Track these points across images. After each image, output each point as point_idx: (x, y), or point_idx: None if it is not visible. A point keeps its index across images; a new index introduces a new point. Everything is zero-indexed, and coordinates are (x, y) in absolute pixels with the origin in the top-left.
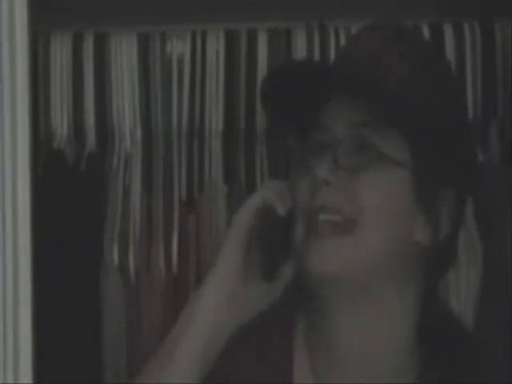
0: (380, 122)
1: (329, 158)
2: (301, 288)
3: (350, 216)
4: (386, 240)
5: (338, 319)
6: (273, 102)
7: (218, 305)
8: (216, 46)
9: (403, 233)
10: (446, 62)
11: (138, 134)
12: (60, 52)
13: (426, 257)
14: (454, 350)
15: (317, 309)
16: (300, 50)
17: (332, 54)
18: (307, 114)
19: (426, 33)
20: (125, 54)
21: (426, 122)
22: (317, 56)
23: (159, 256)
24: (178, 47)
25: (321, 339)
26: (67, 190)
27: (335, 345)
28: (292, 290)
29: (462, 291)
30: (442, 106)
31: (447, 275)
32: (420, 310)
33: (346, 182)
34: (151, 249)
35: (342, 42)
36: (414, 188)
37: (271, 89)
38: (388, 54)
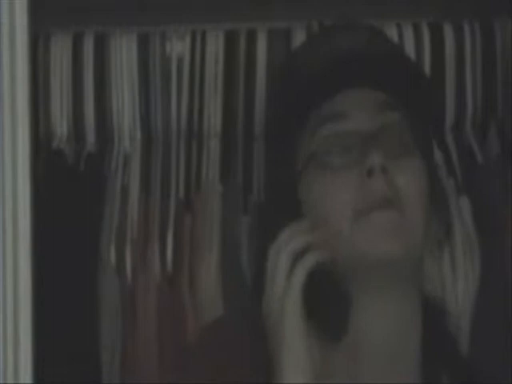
0: (403, 106)
1: (373, 147)
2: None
3: (400, 201)
4: (426, 223)
5: (368, 308)
6: (290, 88)
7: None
8: (216, 46)
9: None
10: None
11: (138, 133)
12: (60, 52)
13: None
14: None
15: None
16: None
17: None
18: (322, 102)
19: (426, 33)
20: (125, 54)
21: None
22: None
23: (155, 255)
24: (178, 47)
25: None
26: (66, 190)
27: (360, 337)
28: None
29: (460, 292)
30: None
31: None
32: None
33: (391, 170)
34: (148, 248)
35: None
36: (428, 179)
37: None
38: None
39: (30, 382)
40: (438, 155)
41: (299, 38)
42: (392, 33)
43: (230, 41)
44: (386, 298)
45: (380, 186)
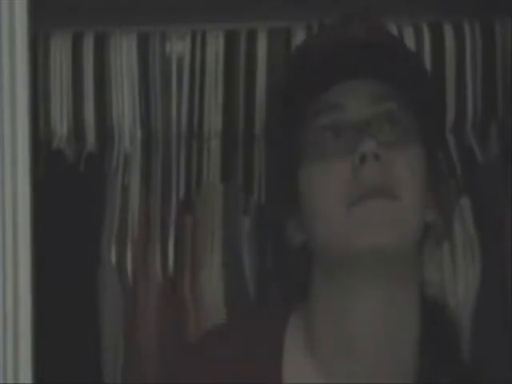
0: (402, 96)
1: (366, 135)
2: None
3: (394, 189)
4: (422, 213)
5: (360, 297)
6: (293, 81)
7: None
8: (216, 46)
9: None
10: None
11: (138, 133)
12: (60, 52)
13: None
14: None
15: (335, 288)
16: None
17: None
18: (320, 93)
19: (426, 33)
20: (125, 53)
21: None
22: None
23: (155, 255)
24: (178, 47)
25: (332, 323)
26: (66, 190)
27: (350, 327)
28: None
29: (460, 291)
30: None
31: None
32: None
33: (385, 157)
34: (148, 248)
35: None
36: (425, 166)
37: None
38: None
39: (29, 382)
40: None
41: (299, 38)
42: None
43: (230, 41)
44: (381, 288)
45: (372, 173)
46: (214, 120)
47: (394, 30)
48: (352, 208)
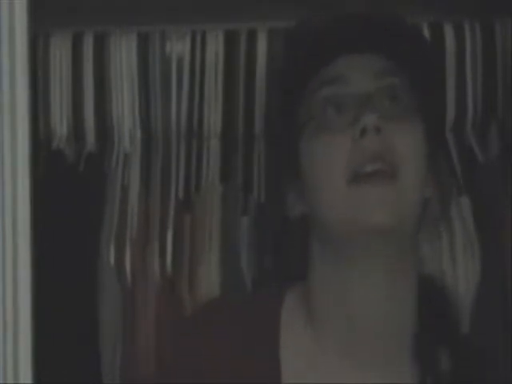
0: (404, 72)
1: (368, 108)
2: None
3: (394, 164)
4: (421, 190)
5: (359, 274)
6: (292, 53)
7: None
8: (216, 46)
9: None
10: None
11: (138, 133)
12: (60, 52)
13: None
14: (451, 345)
15: (333, 263)
16: None
17: None
18: (323, 65)
19: (427, 33)
20: (124, 53)
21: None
22: None
23: (154, 255)
24: (178, 47)
25: (331, 302)
26: (66, 190)
27: (350, 307)
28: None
29: (460, 291)
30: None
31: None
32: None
33: (386, 131)
34: (147, 248)
35: None
36: (425, 140)
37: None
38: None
39: (29, 382)
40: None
41: None
42: None
43: (230, 41)
44: (380, 266)
45: (372, 144)
46: (213, 120)
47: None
48: (352, 184)
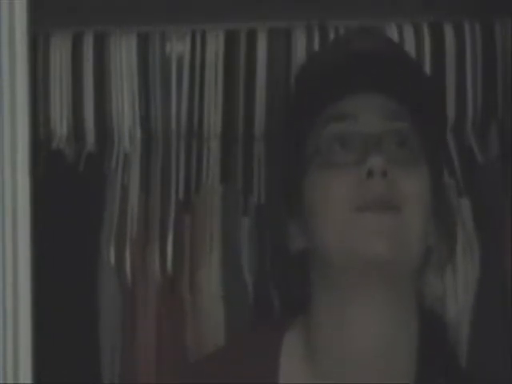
0: (413, 116)
1: (376, 150)
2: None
3: (398, 205)
4: (424, 231)
5: (359, 308)
6: (304, 89)
7: None
8: (216, 46)
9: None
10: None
11: (137, 133)
12: (60, 52)
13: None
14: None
15: (334, 298)
16: (300, 50)
17: None
18: (333, 102)
19: (426, 33)
20: (124, 53)
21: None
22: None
23: (155, 256)
24: (178, 47)
25: (331, 336)
26: (66, 190)
27: (350, 340)
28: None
29: (460, 293)
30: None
31: (445, 277)
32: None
33: (392, 175)
34: (147, 249)
35: None
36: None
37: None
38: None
39: (29, 382)
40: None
41: (299, 37)
42: (392, 33)
43: (230, 41)
44: (380, 302)
45: (378, 189)
46: (213, 120)
47: (394, 30)
48: (356, 217)
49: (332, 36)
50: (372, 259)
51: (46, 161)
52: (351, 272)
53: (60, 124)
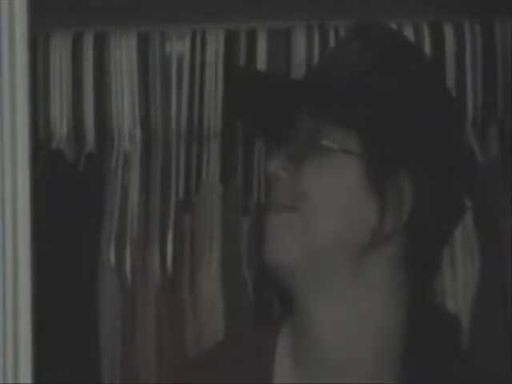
0: (328, 116)
1: (282, 154)
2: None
3: (292, 204)
4: (334, 224)
5: (314, 311)
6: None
7: None
8: (216, 46)
9: (356, 217)
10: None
11: (137, 133)
12: (60, 52)
13: (396, 246)
14: (445, 360)
15: (295, 305)
16: (300, 50)
17: None
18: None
19: (426, 33)
20: (124, 54)
21: (376, 111)
22: (316, 56)
23: (155, 256)
24: (178, 47)
25: (304, 338)
26: (66, 190)
27: (317, 340)
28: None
29: (460, 293)
30: (402, 93)
31: (444, 277)
32: (407, 305)
33: (293, 173)
34: (147, 248)
35: None
36: (365, 173)
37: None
38: (344, 52)
39: (29, 382)
40: None
41: (299, 37)
42: None
43: (230, 41)
44: (332, 295)
45: (273, 193)
46: (213, 120)
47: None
48: (265, 225)
49: (332, 36)
50: (282, 265)
51: (46, 161)
52: (285, 278)
53: (60, 124)
